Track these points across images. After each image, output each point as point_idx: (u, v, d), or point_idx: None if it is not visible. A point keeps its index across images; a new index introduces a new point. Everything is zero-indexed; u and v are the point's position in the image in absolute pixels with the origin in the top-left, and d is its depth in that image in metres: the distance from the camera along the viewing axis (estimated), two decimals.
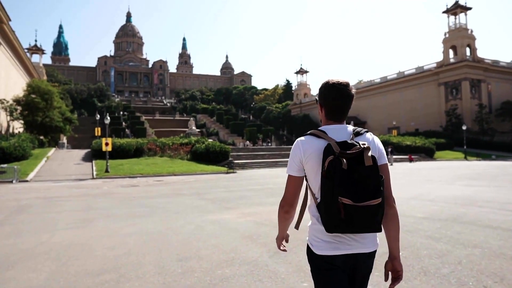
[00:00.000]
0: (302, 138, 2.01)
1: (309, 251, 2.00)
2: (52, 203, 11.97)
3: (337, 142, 1.84)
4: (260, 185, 17.32)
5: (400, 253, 1.99)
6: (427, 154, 47.07)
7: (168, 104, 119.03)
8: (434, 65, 64.78)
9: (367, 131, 2.01)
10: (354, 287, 1.98)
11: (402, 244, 5.58)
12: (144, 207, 10.70)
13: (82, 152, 39.10)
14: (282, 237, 2.23)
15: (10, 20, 41.11)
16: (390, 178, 1.97)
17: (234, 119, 79.93)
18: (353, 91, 2.00)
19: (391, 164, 36.12)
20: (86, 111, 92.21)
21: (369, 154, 1.78)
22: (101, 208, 10.67)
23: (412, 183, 16.32)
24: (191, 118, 73.19)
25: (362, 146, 1.80)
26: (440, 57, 65.01)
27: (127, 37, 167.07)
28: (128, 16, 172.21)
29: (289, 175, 2.00)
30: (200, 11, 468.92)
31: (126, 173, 27.08)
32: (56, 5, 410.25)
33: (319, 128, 2.01)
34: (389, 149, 38.31)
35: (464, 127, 48.76)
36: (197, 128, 65.14)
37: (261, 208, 10.03)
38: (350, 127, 1.99)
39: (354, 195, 1.72)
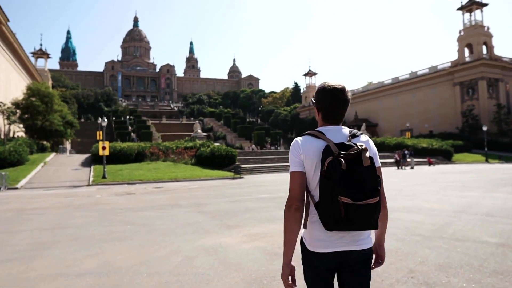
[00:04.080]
0: (300, 137, 1.99)
1: (303, 248, 2.00)
2: (20, 218, 9.93)
3: (335, 143, 1.85)
4: (270, 193, 15.15)
5: None
6: (445, 156, 44.59)
7: (175, 108, 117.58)
8: (449, 64, 62.24)
9: (362, 133, 2.01)
10: (344, 283, 1.96)
11: None
12: (126, 225, 8.59)
13: (82, 157, 37.30)
14: (289, 261, 1.95)
15: (8, 20, 39.67)
16: (383, 180, 1.99)
17: (241, 122, 77.48)
18: (349, 95, 2.00)
19: (412, 168, 33.64)
20: (93, 116, 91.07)
21: (367, 155, 1.81)
22: (73, 226, 8.58)
23: (445, 190, 14.02)
24: (196, 121, 71.45)
25: (360, 147, 1.82)
26: (454, 56, 62.39)
27: (134, 42, 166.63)
28: (135, 20, 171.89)
29: (292, 172, 1.95)
30: (207, 15, 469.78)
31: (125, 179, 25.16)
32: (63, 11, 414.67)
33: (317, 129, 2.00)
34: (406, 152, 35.67)
35: (484, 128, 46.05)
36: (204, 132, 63.03)
37: (272, 226, 7.90)
38: (346, 129, 2.01)
39: (353, 194, 1.74)
